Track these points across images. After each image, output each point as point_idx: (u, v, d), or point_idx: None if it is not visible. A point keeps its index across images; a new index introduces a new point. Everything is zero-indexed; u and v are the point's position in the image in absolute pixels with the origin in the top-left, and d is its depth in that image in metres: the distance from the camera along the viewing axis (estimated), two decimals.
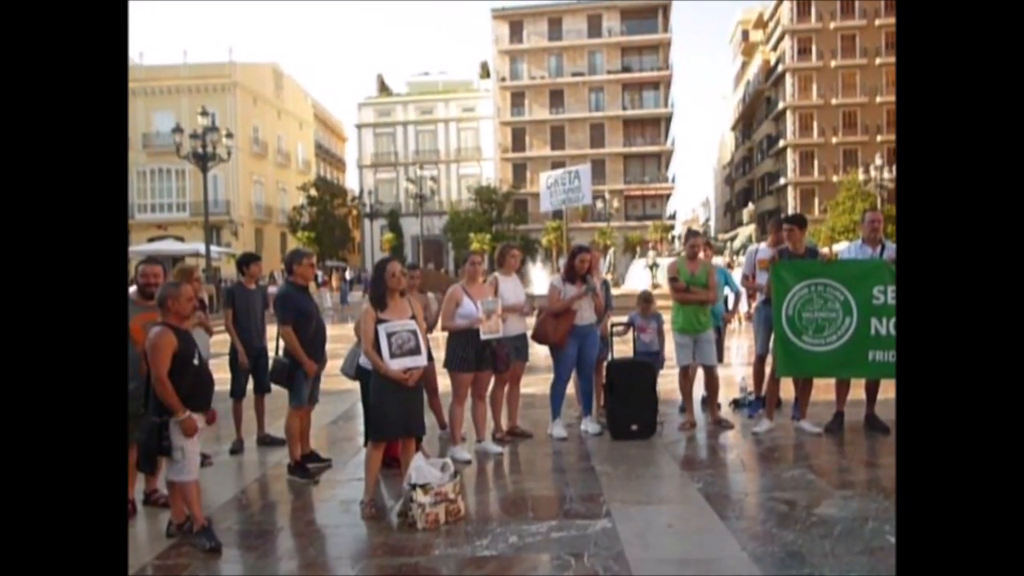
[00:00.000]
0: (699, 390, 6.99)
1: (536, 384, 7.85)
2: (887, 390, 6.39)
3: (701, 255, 7.00)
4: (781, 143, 51.22)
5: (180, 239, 37.36)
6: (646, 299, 7.11)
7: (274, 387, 5.86)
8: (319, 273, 31.58)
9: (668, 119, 53.21)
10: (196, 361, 4.10)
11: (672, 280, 6.58)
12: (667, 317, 6.87)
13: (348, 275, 37.87)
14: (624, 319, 7.28)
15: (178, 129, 23.04)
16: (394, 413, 4.48)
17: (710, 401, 6.82)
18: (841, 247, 16.38)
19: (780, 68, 51.45)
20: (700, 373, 6.77)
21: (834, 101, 48.92)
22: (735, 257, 21.76)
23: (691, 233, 7.29)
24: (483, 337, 5.63)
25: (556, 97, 53.02)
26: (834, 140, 48.99)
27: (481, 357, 5.71)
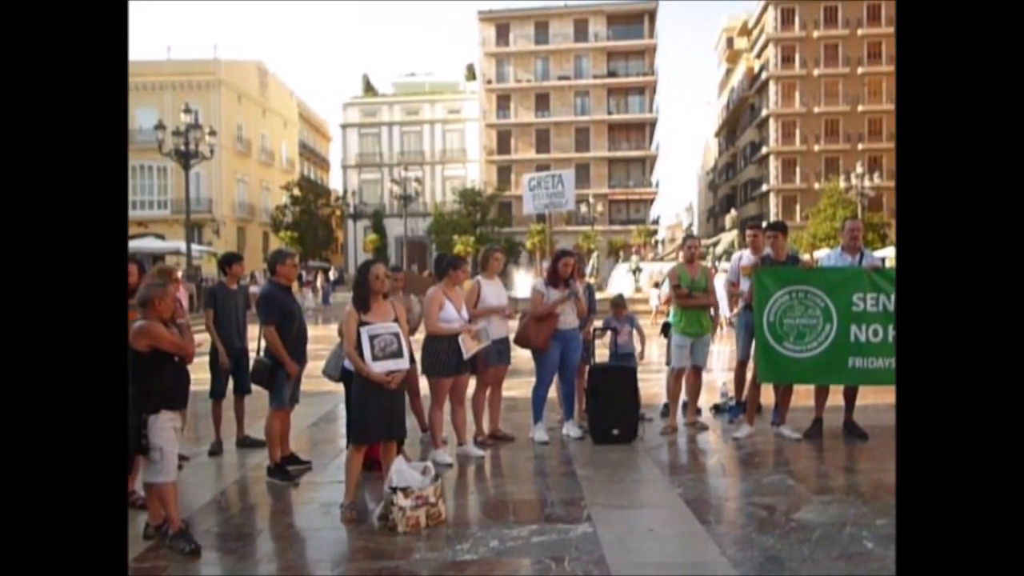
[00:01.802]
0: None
1: (518, 388, 7.84)
2: (865, 396, 6.47)
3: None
4: (764, 150, 51.64)
5: (161, 237, 36.92)
6: (615, 304, 7.25)
7: (254, 388, 5.82)
8: (303, 273, 31.38)
9: (653, 124, 53.48)
10: (176, 359, 4.07)
11: (675, 287, 6.62)
12: (645, 322, 6.90)
13: (332, 275, 37.61)
14: (600, 323, 7.33)
15: (161, 126, 22.81)
16: (375, 416, 4.47)
17: (690, 402, 6.87)
18: (822, 254, 16.52)
19: (764, 75, 51.90)
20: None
21: (816, 109, 49.41)
22: (717, 263, 21.85)
23: (689, 237, 7.36)
24: (462, 348, 5.65)
25: (542, 100, 53.10)
26: (816, 148, 49.46)
27: (460, 361, 5.71)
